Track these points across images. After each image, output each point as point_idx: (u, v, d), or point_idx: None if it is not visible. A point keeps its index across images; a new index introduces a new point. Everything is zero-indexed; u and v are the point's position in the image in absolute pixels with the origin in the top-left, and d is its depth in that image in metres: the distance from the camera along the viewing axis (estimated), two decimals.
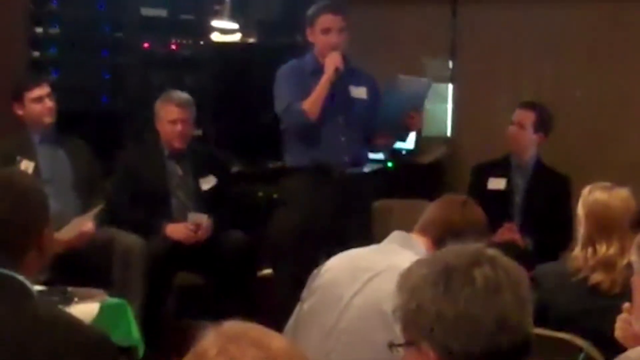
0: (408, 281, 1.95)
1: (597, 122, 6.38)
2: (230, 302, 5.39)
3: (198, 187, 5.68)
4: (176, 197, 5.66)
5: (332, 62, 5.20)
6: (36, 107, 5.45)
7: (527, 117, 5.74)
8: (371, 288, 3.12)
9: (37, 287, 3.63)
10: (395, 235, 3.29)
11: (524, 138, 5.77)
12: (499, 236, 5.40)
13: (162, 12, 6.91)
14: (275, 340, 1.62)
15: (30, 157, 5.41)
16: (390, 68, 6.07)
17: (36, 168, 5.37)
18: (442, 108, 6.87)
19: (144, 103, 6.11)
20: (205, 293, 5.62)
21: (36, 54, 6.60)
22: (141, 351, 4.40)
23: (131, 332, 4.30)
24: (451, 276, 1.90)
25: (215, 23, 7.03)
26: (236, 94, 7.02)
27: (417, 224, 3.32)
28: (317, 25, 5.29)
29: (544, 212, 5.69)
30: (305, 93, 5.22)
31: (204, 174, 5.71)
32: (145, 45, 6.84)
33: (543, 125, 5.75)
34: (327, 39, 5.27)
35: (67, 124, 5.64)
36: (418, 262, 2.01)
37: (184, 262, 5.50)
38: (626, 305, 2.93)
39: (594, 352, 3.22)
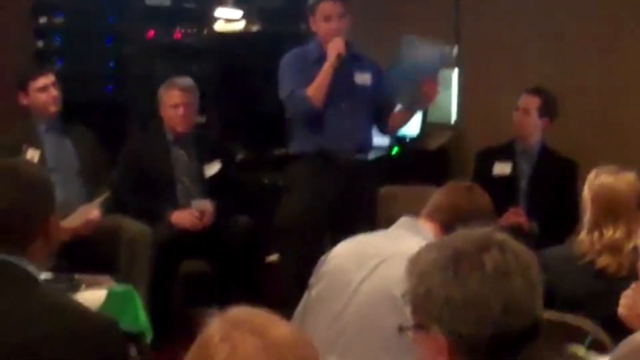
0: (417, 266, 1.96)
1: (603, 106, 6.37)
2: (236, 288, 5.41)
3: (203, 173, 5.69)
4: (181, 183, 5.68)
5: (334, 47, 5.20)
6: (41, 96, 5.46)
7: (532, 103, 5.74)
8: (379, 274, 3.13)
9: (44, 275, 3.65)
10: (403, 221, 3.31)
11: (529, 123, 5.76)
12: (504, 220, 5.40)
13: (166, 1, 6.92)
14: (277, 328, 1.62)
15: (36, 146, 5.42)
16: (392, 56, 6.06)
17: (42, 157, 5.38)
18: (447, 94, 6.85)
19: (148, 92, 6.11)
20: (211, 280, 5.62)
21: (40, 43, 6.61)
22: (149, 337, 4.41)
23: (139, 319, 4.31)
24: (460, 261, 1.91)
25: (219, 12, 7.04)
26: (240, 82, 7.02)
27: (424, 210, 3.34)
28: (318, 13, 5.30)
29: (549, 196, 5.69)
30: (309, 80, 5.22)
31: (208, 159, 5.72)
32: (150, 34, 6.84)
33: (548, 110, 5.75)
34: (328, 26, 5.27)
35: (71, 113, 5.64)
36: (427, 247, 2.01)
37: (190, 249, 5.51)
38: (633, 285, 2.94)
39: (601, 335, 3.22)
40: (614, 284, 3.26)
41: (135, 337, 4.29)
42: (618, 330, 3.02)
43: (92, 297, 4.01)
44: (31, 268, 2.38)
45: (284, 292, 5.01)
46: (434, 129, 6.89)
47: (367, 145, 5.51)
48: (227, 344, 1.58)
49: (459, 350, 1.89)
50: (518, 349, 1.89)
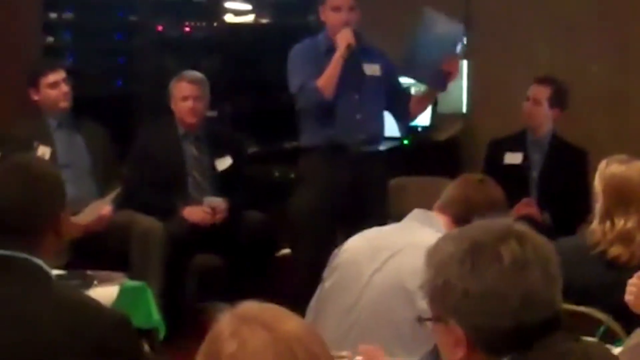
0: (435, 257, 1.95)
1: (613, 96, 6.36)
2: (249, 282, 5.41)
3: (214, 168, 5.69)
4: (192, 177, 5.68)
5: (344, 38, 5.20)
6: (52, 92, 5.46)
7: (543, 93, 5.72)
8: (391, 266, 3.15)
9: (57, 271, 3.66)
10: (416, 213, 3.33)
11: (540, 114, 5.75)
12: (516, 211, 5.39)
13: None
14: (286, 322, 1.62)
15: (47, 143, 5.43)
16: (403, 44, 6.05)
17: (53, 153, 5.39)
18: (458, 84, 6.81)
19: (158, 86, 6.12)
20: (224, 274, 5.63)
21: (50, 39, 6.62)
22: (162, 333, 4.41)
23: (151, 315, 4.31)
24: (478, 253, 1.89)
25: (228, 4, 7.04)
26: (250, 75, 7.02)
27: (437, 203, 3.35)
28: (327, 4, 5.30)
29: (561, 186, 5.68)
30: (319, 72, 5.21)
31: (219, 154, 5.72)
32: (159, 28, 6.85)
33: (559, 100, 5.73)
34: (337, 16, 5.27)
35: (82, 108, 5.65)
36: (445, 238, 2.00)
37: (202, 244, 5.51)
38: (639, 273, 2.94)
39: (613, 325, 3.21)
40: (626, 273, 3.24)
41: (147, 333, 4.30)
42: (630, 319, 3.02)
43: (104, 293, 4.02)
44: (43, 264, 2.39)
45: (296, 286, 5.01)
46: (445, 119, 6.88)
47: (379, 137, 5.51)
48: (237, 338, 1.59)
49: (477, 343, 1.89)
50: (537, 341, 1.87)
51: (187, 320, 5.09)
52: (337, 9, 5.27)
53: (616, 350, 2.65)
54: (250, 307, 1.66)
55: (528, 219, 5.18)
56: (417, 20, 5.30)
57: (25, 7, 6.46)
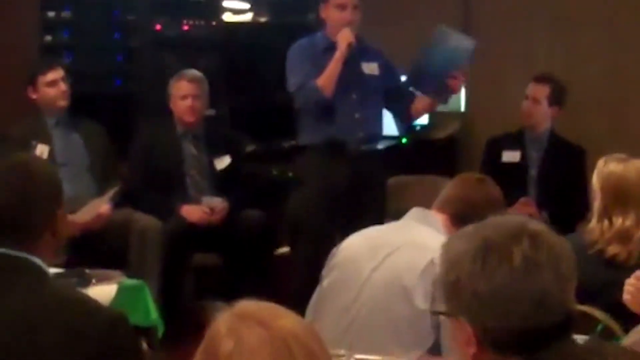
0: (449, 253, 1.93)
1: (611, 95, 6.36)
2: (248, 281, 5.41)
3: (212, 167, 5.69)
4: (191, 176, 5.68)
5: (344, 37, 5.20)
6: (50, 91, 5.46)
7: (541, 91, 5.72)
8: (390, 263, 3.16)
9: (55, 270, 3.66)
10: (414, 211, 3.35)
11: (539, 112, 5.75)
12: (515, 211, 5.39)
13: None
14: (283, 319, 1.63)
15: (45, 141, 5.43)
16: (402, 43, 6.06)
17: (51, 152, 5.39)
18: None
19: (157, 85, 6.12)
20: (222, 273, 5.63)
21: (48, 38, 6.61)
22: (160, 332, 4.41)
23: (150, 313, 4.31)
24: (489, 253, 1.87)
25: (226, 3, 7.03)
26: (249, 74, 7.02)
27: (435, 202, 3.36)
28: (332, 1, 5.29)
29: (559, 184, 5.68)
30: (318, 70, 5.22)
31: (218, 153, 5.73)
32: (157, 26, 6.84)
33: (557, 98, 5.73)
34: (342, 15, 5.27)
35: (80, 107, 5.65)
36: (461, 234, 1.98)
37: (200, 242, 5.51)
38: (637, 272, 2.93)
39: (611, 323, 3.21)
40: (624, 272, 3.24)
41: (146, 331, 4.29)
42: (628, 318, 3.02)
43: (102, 291, 4.02)
44: (41, 263, 2.39)
45: (295, 284, 5.02)
46: (443, 118, 6.87)
47: (377, 135, 5.52)
48: (233, 336, 1.59)
49: (486, 342, 1.87)
50: (549, 343, 1.85)
51: (185, 319, 5.09)
52: (342, 6, 5.27)
53: None
54: (247, 305, 1.66)
55: None
56: (426, 32, 5.32)
57: (23, 5, 6.46)
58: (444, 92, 5.38)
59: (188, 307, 5.42)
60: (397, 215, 3.43)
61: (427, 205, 3.38)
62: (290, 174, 6.03)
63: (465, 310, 1.88)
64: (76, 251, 4.76)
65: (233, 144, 5.91)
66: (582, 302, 3.34)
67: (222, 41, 6.99)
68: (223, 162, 5.72)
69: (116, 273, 4.42)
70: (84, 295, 2.54)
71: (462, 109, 6.95)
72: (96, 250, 5.07)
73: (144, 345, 4.17)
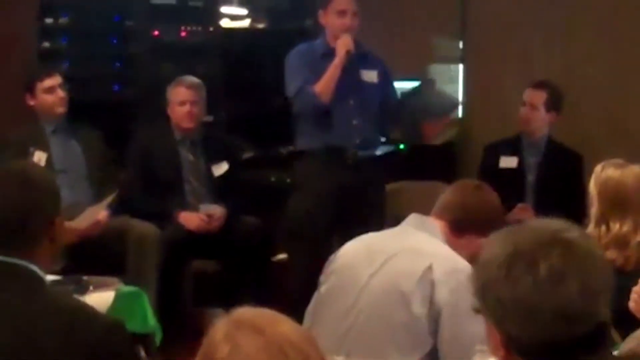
0: (483, 255, 1.92)
1: (609, 100, 6.35)
2: (245, 288, 5.41)
3: (210, 173, 5.69)
4: (189, 183, 5.68)
5: (343, 44, 5.21)
6: (48, 98, 5.46)
7: (539, 97, 5.73)
8: (387, 270, 3.16)
9: (52, 277, 3.66)
10: (412, 218, 3.35)
11: (537, 118, 5.76)
12: (512, 217, 5.39)
13: (171, 0, 6.93)
14: (279, 325, 1.63)
15: (43, 148, 5.42)
16: (400, 48, 6.06)
17: (49, 159, 5.38)
18: (453, 88, 6.84)
19: (155, 91, 6.12)
20: (220, 280, 5.63)
21: (46, 44, 6.61)
22: (158, 338, 4.41)
23: (147, 320, 4.30)
24: (516, 261, 1.84)
25: (224, 9, 7.04)
26: (246, 80, 7.03)
27: (433, 208, 3.37)
28: (331, 7, 5.30)
29: (557, 189, 5.69)
30: (316, 76, 5.22)
31: (216, 160, 5.72)
32: (155, 33, 6.85)
33: (554, 104, 5.74)
34: (341, 21, 5.28)
35: (78, 113, 5.65)
36: (497, 236, 1.94)
37: (198, 249, 5.51)
38: None
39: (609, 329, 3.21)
40: (621, 278, 3.24)
41: (143, 338, 4.29)
42: (626, 324, 3.02)
43: (100, 298, 4.02)
44: (38, 270, 2.39)
45: (293, 291, 5.02)
46: None
47: (375, 141, 5.52)
48: (230, 342, 1.60)
49: (512, 348, 1.86)
50: (575, 355, 1.82)
51: (183, 326, 5.08)
52: (342, 13, 5.28)
53: None
54: (244, 312, 1.67)
55: None
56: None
57: (21, 11, 6.45)
58: (416, 136, 5.45)
59: (186, 314, 5.41)
60: (396, 221, 3.43)
61: (425, 211, 3.38)
62: (288, 180, 6.03)
63: (491, 314, 1.88)
64: (74, 258, 4.75)
65: (231, 150, 5.91)
66: None
67: (220, 47, 7.00)
68: (221, 169, 5.72)
69: (114, 280, 4.42)
70: (81, 302, 2.54)
71: (460, 115, 6.95)
72: (93, 257, 5.05)
73: (142, 352, 4.17)
